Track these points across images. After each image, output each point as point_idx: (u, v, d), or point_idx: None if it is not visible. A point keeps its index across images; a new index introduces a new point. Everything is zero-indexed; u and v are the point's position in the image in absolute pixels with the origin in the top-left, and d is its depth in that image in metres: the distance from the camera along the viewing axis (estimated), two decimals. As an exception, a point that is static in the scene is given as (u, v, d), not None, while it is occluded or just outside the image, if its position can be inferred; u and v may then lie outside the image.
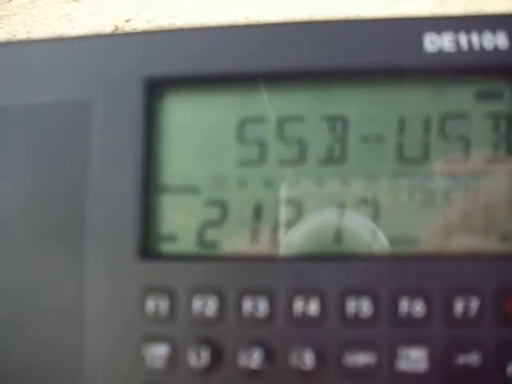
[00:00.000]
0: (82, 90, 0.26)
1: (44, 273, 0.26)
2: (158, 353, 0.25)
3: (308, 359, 0.24)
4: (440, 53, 0.25)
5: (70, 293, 0.25)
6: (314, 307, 0.24)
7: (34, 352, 0.25)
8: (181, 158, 0.26)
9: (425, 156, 0.25)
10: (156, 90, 0.26)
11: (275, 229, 0.25)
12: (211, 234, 0.25)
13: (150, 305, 0.25)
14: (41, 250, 0.26)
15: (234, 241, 0.25)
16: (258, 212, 0.25)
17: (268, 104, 0.25)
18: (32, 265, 0.26)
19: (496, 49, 0.24)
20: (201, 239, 0.25)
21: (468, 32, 0.25)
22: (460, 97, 0.25)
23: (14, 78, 0.27)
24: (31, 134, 0.26)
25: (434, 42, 0.25)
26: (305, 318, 0.24)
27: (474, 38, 0.25)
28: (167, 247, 0.26)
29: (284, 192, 0.25)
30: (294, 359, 0.24)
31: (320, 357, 0.24)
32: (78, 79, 0.26)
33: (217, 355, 0.24)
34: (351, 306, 0.24)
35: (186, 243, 0.26)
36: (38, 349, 0.25)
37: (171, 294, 0.25)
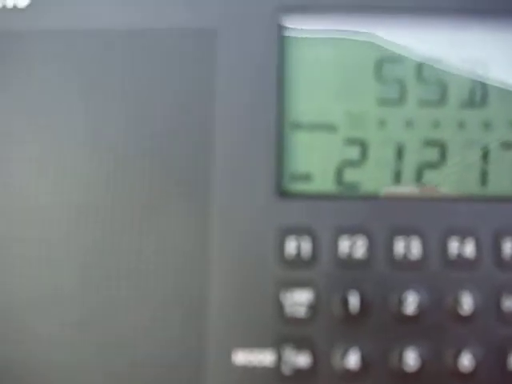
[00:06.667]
0: (208, 17, 0.24)
1: (167, 217, 0.23)
2: (299, 300, 0.22)
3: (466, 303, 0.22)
4: None
5: (194, 237, 0.23)
6: (469, 249, 0.23)
7: (160, 289, 0.22)
8: (315, 95, 0.24)
9: None
10: (291, 21, 0.24)
11: (418, 170, 0.24)
12: (351, 174, 0.24)
13: (291, 247, 0.23)
14: (164, 190, 0.23)
15: (376, 181, 0.24)
16: (399, 153, 0.24)
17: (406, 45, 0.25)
18: (154, 209, 0.23)
19: None
20: (340, 179, 0.24)
21: None
22: None
23: (135, 2, 0.24)
24: (153, 59, 0.24)
25: None
26: (460, 260, 0.23)
27: None
28: (303, 187, 0.24)
29: (426, 133, 0.24)
30: (450, 302, 0.22)
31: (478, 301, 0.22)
32: (204, 6, 0.24)
33: (365, 302, 0.22)
34: (507, 247, 0.23)
35: (323, 183, 0.24)
36: (163, 292, 0.22)
37: (313, 236, 0.23)
